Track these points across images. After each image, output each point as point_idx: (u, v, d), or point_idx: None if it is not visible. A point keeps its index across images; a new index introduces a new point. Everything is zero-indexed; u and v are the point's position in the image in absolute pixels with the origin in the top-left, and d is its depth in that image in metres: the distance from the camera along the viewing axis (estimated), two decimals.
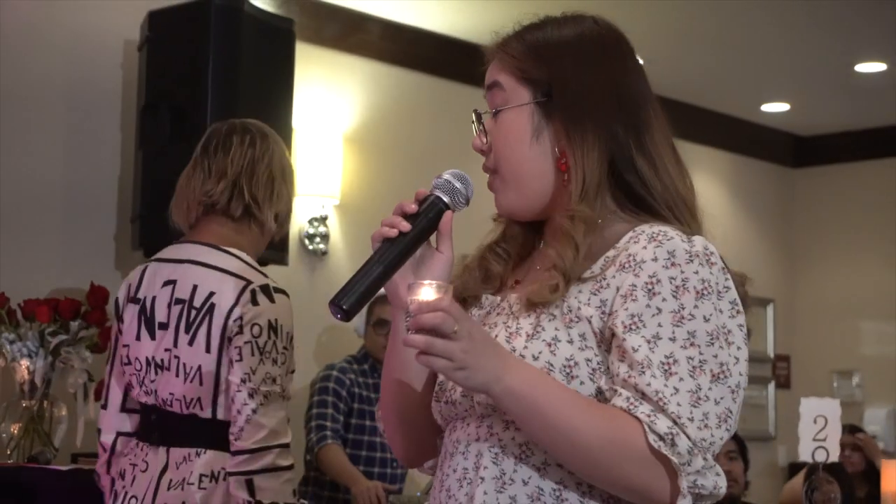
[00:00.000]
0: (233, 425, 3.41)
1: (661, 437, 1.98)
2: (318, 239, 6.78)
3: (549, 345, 2.07)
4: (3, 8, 4.79)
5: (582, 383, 2.05)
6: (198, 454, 3.46)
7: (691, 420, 1.99)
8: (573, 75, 2.20)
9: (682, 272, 2.06)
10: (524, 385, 1.99)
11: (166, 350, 3.49)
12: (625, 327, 2.04)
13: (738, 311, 2.10)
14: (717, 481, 2.04)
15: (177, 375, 3.47)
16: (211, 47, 4.98)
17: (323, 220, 6.80)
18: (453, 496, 2.14)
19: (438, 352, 1.94)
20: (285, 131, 5.16)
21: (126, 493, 3.53)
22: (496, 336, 2.14)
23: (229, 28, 5.02)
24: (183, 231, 3.66)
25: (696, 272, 2.06)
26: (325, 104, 6.83)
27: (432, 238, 2.23)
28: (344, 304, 2.12)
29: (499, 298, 2.26)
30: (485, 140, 2.26)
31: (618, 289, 2.08)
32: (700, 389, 2.01)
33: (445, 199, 2.22)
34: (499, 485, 2.08)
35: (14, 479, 4.20)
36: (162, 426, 3.54)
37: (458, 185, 2.22)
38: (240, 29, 5.03)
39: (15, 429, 4.73)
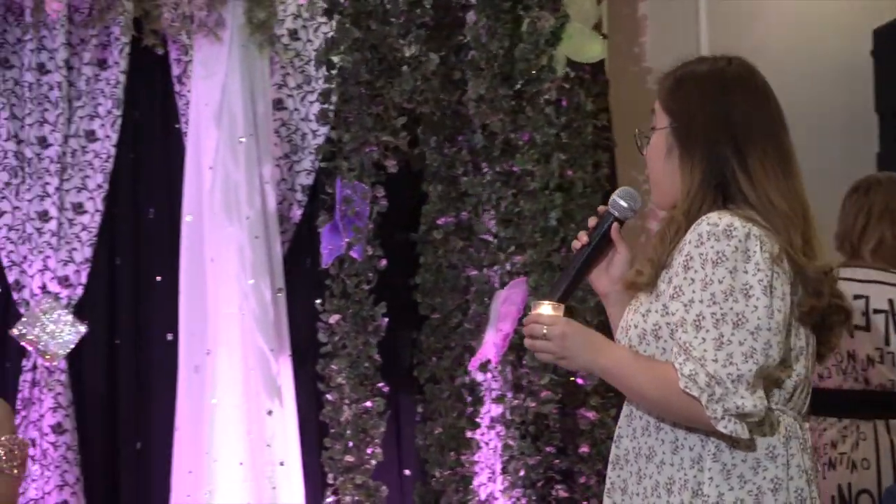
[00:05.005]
0: None
1: (686, 377, 2.64)
2: None
3: (643, 315, 2.80)
4: None
5: (666, 341, 2.75)
6: None
7: (715, 361, 2.63)
8: (696, 108, 2.84)
9: (705, 248, 2.68)
10: (609, 363, 2.79)
11: (877, 348, 4.45)
12: (670, 297, 2.73)
13: (759, 270, 2.66)
14: (740, 403, 2.62)
15: (893, 365, 4.47)
16: None
17: None
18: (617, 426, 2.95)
19: (537, 349, 2.82)
20: None
21: (844, 456, 4.46)
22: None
23: None
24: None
25: (713, 246, 2.67)
26: None
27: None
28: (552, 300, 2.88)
29: None
30: (645, 153, 2.93)
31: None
32: (723, 336, 2.64)
33: (615, 213, 2.92)
34: (629, 420, 2.87)
35: None
36: (871, 403, 4.51)
37: (621, 202, 2.91)
38: None
39: None
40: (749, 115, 2.81)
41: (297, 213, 5.40)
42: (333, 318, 4.86)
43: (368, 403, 4.74)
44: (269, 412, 4.96)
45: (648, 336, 2.77)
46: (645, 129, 2.94)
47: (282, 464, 4.96)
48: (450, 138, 4.90)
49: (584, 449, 4.86)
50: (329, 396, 4.84)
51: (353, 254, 4.80)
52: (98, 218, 5.28)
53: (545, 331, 2.78)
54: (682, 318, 2.68)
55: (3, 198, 5.24)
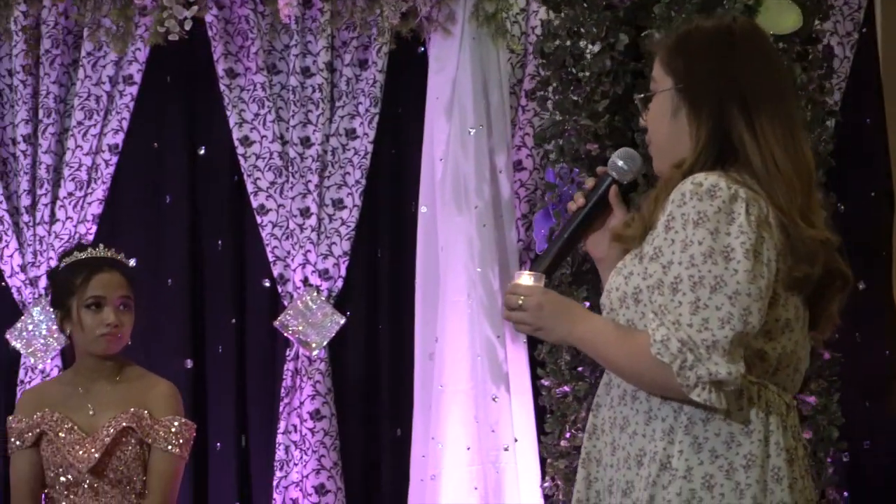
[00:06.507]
0: None
1: (659, 343, 2.52)
2: None
3: (626, 278, 2.67)
4: None
5: (645, 305, 2.60)
6: None
7: (690, 326, 2.50)
8: (702, 66, 2.70)
9: (687, 208, 2.55)
10: (586, 333, 2.67)
11: None
12: (650, 258, 2.61)
13: (742, 232, 2.53)
14: (713, 369, 2.49)
15: None
16: None
17: None
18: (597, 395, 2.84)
19: (513, 319, 2.74)
20: None
21: None
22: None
23: None
24: None
25: (694, 206, 2.54)
26: None
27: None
28: (539, 269, 2.81)
29: None
30: (644, 119, 2.85)
31: None
32: (699, 300, 2.51)
33: (613, 174, 2.83)
34: (608, 388, 2.74)
35: None
36: None
37: (620, 163, 2.82)
38: None
39: None
40: (757, 75, 2.67)
41: None
42: None
43: (566, 388, 4.69)
44: (495, 398, 5.01)
45: (629, 299, 2.64)
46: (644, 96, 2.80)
47: (506, 449, 4.99)
48: None
49: (807, 434, 4.59)
50: (544, 382, 4.84)
51: None
52: (356, 213, 5.48)
53: (521, 301, 2.70)
54: (660, 280, 2.56)
55: (269, 196, 5.54)
